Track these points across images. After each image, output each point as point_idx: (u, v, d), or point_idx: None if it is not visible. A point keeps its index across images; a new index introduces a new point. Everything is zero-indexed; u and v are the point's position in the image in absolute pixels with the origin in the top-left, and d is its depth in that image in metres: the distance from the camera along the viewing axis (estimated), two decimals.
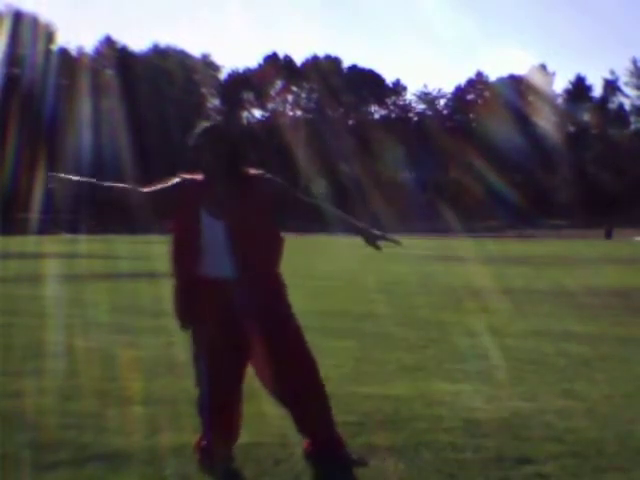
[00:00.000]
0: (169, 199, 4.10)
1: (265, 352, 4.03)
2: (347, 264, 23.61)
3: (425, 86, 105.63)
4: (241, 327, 4.02)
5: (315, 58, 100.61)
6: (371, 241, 4.20)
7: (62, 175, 4.21)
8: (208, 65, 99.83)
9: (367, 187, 74.33)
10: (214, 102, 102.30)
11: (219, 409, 4.08)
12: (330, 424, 4.20)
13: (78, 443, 4.42)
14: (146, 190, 4.17)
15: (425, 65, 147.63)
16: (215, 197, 4.02)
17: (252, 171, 4.15)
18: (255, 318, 4.03)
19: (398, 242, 4.25)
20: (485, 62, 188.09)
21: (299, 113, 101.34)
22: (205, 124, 4.12)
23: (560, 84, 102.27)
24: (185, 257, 4.13)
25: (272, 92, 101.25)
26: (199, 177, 4.12)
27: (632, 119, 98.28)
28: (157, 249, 34.47)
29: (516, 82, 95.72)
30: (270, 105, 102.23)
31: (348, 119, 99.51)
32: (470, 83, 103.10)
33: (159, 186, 4.16)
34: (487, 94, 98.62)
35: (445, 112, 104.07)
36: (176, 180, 4.16)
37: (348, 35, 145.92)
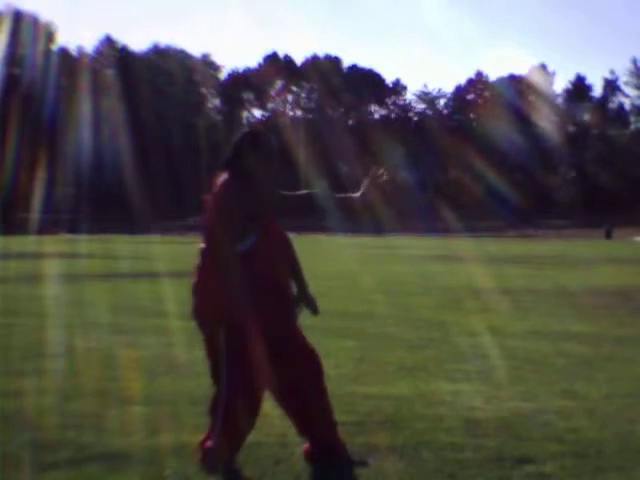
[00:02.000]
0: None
1: (269, 352, 4.03)
2: (347, 264, 23.62)
3: (425, 86, 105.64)
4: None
5: (315, 58, 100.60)
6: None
7: None
8: (208, 65, 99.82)
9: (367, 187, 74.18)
10: (214, 102, 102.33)
11: (239, 411, 4.06)
12: (332, 426, 4.20)
13: (78, 443, 4.42)
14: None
15: (425, 65, 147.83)
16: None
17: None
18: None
19: (315, 312, 4.41)
20: (485, 62, 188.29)
21: (299, 113, 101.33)
22: (256, 128, 4.21)
23: (560, 84, 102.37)
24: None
25: (272, 92, 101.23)
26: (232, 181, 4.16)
27: (632, 119, 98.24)
28: (157, 249, 34.32)
29: (516, 82, 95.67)
30: (270, 105, 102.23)
31: (348, 119, 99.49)
32: (470, 83, 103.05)
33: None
34: (487, 94, 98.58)
35: (445, 112, 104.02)
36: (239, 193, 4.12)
37: (348, 35, 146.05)
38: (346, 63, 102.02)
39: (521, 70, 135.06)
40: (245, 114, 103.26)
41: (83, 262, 24.37)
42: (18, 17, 78.08)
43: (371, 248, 36.90)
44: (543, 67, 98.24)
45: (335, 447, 4.16)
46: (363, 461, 4.12)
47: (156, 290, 13.70)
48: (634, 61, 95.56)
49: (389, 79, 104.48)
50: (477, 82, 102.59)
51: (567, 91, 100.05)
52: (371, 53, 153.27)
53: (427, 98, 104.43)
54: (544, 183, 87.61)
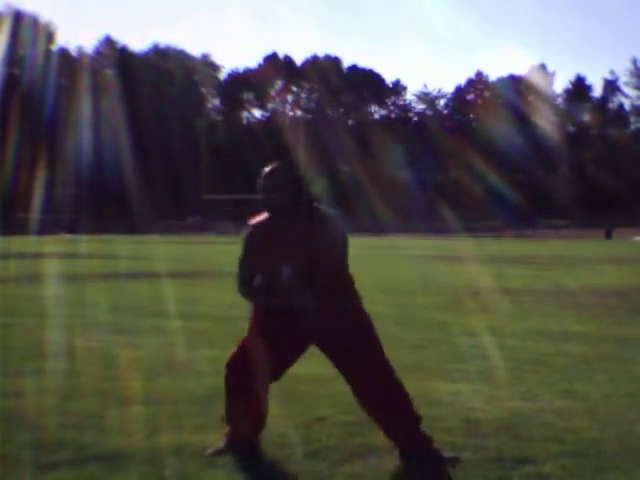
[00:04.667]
0: (255, 254, 4.21)
1: (343, 364, 4.24)
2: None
3: (425, 86, 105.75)
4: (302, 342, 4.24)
5: (315, 58, 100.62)
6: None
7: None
8: (208, 65, 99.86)
9: (367, 187, 74.35)
10: (214, 102, 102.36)
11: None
12: (411, 425, 4.21)
13: (78, 443, 4.42)
14: (243, 275, 4.23)
15: (425, 65, 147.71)
16: (281, 238, 4.15)
17: (320, 208, 4.26)
18: (327, 337, 4.21)
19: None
20: (485, 62, 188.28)
21: (299, 113, 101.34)
22: (271, 166, 4.23)
23: (560, 84, 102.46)
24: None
25: (272, 92, 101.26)
26: (265, 217, 4.25)
27: (632, 119, 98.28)
28: (157, 249, 34.24)
29: (516, 82, 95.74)
30: (270, 105, 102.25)
31: (348, 119, 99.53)
32: (470, 83, 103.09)
33: (244, 257, 4.24)
34: (487, 94, 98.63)
35: (445, 112, 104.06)
36: (248, 233, 4.25)
37: (348, 35, 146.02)
38: (346, 63, 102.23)
39: (521, 70, 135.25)
40: (245, 114, 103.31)
41: (83, 262, 24.37)
42: (18, 17, 78.13)
43: (371, 248, 36.89)
44: (543, 67, 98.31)
45: (422, 444, 4.19)
46: (453, 457, 4.14)
47: (156, 290, 13.71)
48: (634, 61, 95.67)
49: (389, 79, 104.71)
50: (477, 82, 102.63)
51: (567, 91, 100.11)
52: (371, 53, 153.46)
53: (427, 98, 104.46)
54: (544, 183, 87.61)
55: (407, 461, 4.14)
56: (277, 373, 4.28)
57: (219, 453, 4.21)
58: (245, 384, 4.17)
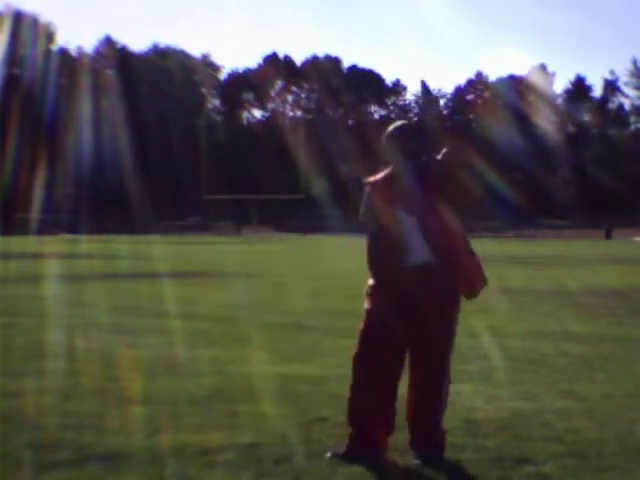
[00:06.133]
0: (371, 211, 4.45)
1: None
2: (347, 264, 23.60)
3: None
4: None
5: (315, 58, 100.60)
6: None
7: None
8: (208, 65, 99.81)
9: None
10: (214, 102, 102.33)
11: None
12: (430, 427, 4.22)
13: (78, 443, 4.42)
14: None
15: (425, 65, 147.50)
16: (404, 193, 4.32)
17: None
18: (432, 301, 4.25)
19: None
20: (485, 62, 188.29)
21: (299, 113, 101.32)
22: (398, 123, 4.47)
23: (560, 84, 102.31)
24: (393, 250, 4.34)
25: (272, 92, 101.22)
26: (382, 174, 4.42)
27: (632, 119, 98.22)
28: (157, 249, 34.23)
29: (516, 82, 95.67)
30: (270, 105, 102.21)
31: (348, 119, 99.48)
32: (470, 83, 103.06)
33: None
34: (487, 94, 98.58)
35: (445, 112, 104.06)
36: (366, 190, 4.48)
37: (348, 35, 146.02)
38: (346, 63, 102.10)
39: (521, 70, 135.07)
40: (245, 114, 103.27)
41: (83, 262, 24.37)
42: (18, 17, 78.09)
43: None
44: (543, 67, 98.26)
45: (430, 447, 4.19)
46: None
47: (156, 290, 13.71)
48: (634, 61, 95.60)
49: (389, 79, 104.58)
50: (477, 82, 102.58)
51: (567, 91, 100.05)
52: (371, 53, 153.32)
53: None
54: (544, 183, 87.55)
55: (418, 458, 4.15)
56: (401, 354, 4.26)
57: (339, 457, 4.15)
58: (374, 379, 4.17)
